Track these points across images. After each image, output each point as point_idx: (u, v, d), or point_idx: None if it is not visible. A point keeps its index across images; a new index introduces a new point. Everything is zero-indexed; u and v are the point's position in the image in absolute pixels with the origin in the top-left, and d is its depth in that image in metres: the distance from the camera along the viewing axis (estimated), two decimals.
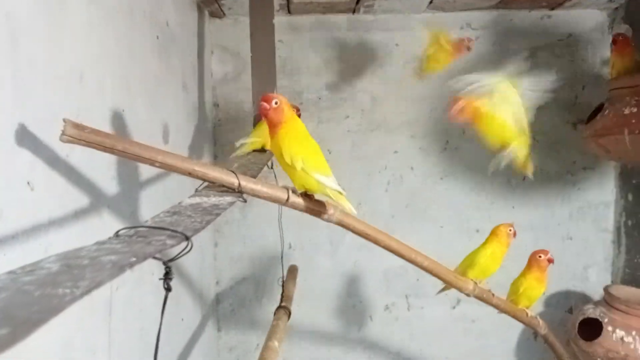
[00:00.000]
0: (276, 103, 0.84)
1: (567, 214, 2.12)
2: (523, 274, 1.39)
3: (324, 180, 0.82)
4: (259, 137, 1.33)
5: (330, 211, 0.90)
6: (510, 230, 1.32)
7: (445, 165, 2.10)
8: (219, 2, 1.85)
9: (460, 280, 1.22)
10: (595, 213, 2.12)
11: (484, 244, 1.32)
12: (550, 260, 1.37)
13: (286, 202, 0.84)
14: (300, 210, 0.87)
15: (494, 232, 1.33)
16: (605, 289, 1.81)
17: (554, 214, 2.12)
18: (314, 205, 0.87)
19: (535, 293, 1.37)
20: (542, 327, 1.40)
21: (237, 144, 1.35)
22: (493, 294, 1.30)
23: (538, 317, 1.41)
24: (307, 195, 0.87)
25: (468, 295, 1.25)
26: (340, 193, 0.84)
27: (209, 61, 2.01)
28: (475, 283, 1.25)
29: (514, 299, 1.38)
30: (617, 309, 1.69)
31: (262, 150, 1.30)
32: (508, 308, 1.35)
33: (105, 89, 1.04)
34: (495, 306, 1.32)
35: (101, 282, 0.34)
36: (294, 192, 0.85)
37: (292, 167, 0.83)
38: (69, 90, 0.89)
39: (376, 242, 1.06)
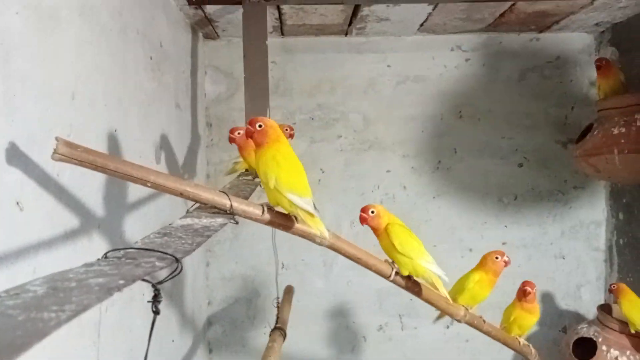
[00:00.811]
0: (260, 126, 0.88)
1: (559, 232, 2.13)
2: (513, 303, 1.37)
3: (295, 199, 0.83)
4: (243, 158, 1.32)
5: (298, 226, 0.91)
6: (497, 258, 1.27)
7: (438, 185, 2.11)
8: (213, 24, 1.87)
9: (452, 307, 1.21)
10: (587, 232, 2.13)
11: (473, 270, 1.30)
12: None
13: (261, 216, 0.86)
14: (268, 224, 0.88)
15: (482, 260, 1.30)
16: (599, 308, 1.81)
17: (546, 233, 2.13)
18: (281, 220, 0.88)
19: (526, 322, 1.35)
20: (533, 355, 1.40)
21: (230, 164, 1.35)
22: (484, 321, 1.29)
23: (530, 345, 1.40)
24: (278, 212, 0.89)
25: (459, 321, 1.24)
26: (310, 214, 0.85)
27: (202, 81, 2.02)
28: (466, 309, 1.24)
29: (506, 326, 1.37)
30: (611, 328, 1.69)
31: (246, 171, 1.29)
32: (499, 335, 1.34)
33: (98, 108, 1.04)
34: (486, 333, 1.31)
35: (88, 306, 0.34)
36: (268, 207, 0.87)
37: (266, 184, 0.85)
38: (61, 109, 0.89)
39: (367, 266, 1.05)
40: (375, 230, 1.11)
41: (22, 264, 0.77)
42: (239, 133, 1.20)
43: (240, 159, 1.33)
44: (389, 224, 1.09)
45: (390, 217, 1.11)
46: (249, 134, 0.89)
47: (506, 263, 1.28)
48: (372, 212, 1.10)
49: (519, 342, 1.36)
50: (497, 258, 1.27)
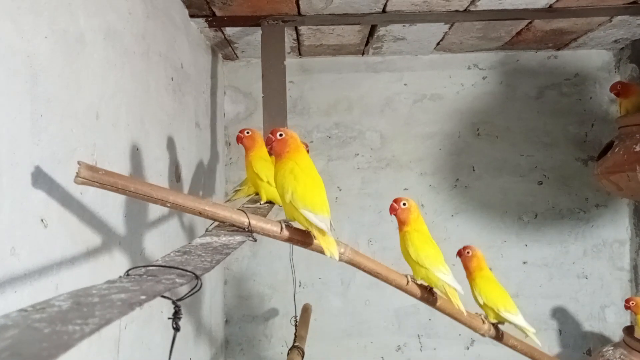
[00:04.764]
0: (281, 135, 0.87)
1: (582, 251, 2.09)
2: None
3: (309, 216, 0.82)
4: (248, 184, 1.32)
5: (317, 242, 0.90)
6: (468, 253, 1.23)
7: (456, 203, 2.10)
8: (232, 46, 1.91)
9: (475, 320, 1.18)
10: (610, 251, 2.09)
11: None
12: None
13: (280, 233, 0.86)
14: (286, 241, 0.88)
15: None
16: (625, 330, 1.76)
17: (567, 252, 2.09)
18: (299, 236, 0.88)
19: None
20: None
21: (231, 191, 1.36)
22: (510, 335, 1.26)
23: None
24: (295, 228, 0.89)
25: (483, 335, 1.21)
26: (322, 233, 0.84)
27: (221, 101, 2.06)
28: (491, 324, 1.21)
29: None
30: (639, 351, 1.64)
31: (256, 195, 1.29)
32: (526, 349, 1.30)
33: (120, 128, 1.07)
34: (512, 347, 1.27)
35: (110, 320, 0.35)
36: (286, 224, 0.87)
37: (282, 197, 0.85)
38: (86, 129, 0.91)
39: (387, 281, 1.05)
40: (400, 224, 1.11)
41: (45, 280, 0.79)
42: (247, 133, 1.22)
43: (243, 187, 1.34)
44: (406, 231, 1.08)
45: (418, 219, 1.10)
46: (269, 143, 0.89)
47: (470, 254, 1.23)
48: (404, 204, 1.09)
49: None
50: (468, 253, 1.24)
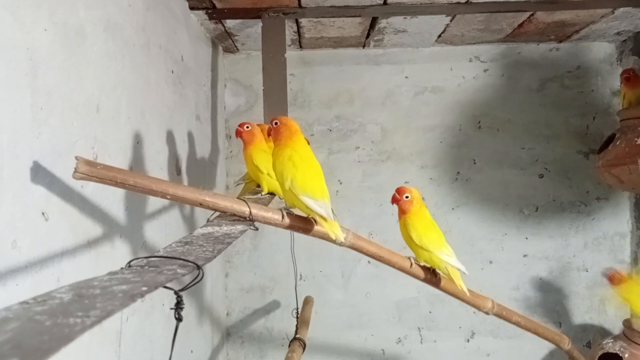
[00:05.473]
0: (275, 124, 0.88)
1: (582, 244, 2.09)
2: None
3: (309, 202, 0.83)
4: (249, 179, 1.32)
5: (317, 228, 0.91)
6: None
7: (457, 196, 2.10)
8: (232, 38, 1.91)
9: (478, 299, 1.19)
10: (611, 244, 2.09)
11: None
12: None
13: (282, 221, 0.86)
14: (288, 229, 0.89)
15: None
16: (625, 322, 1.76)
17: (568, 245, 2.09)
18: (300, 223, 0.89)
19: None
20: (566, 343, 1.36)
21: (240, 184, 1.37)
22: (513, 312, 1.26)
23: (562, 334, 1.36)
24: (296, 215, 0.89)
25: (487, 313, 1.22)
26: (324, 218, 0.85)
27: (222, 94, 2.05)
28: (493, 301, 1.22)
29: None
30: (638, 344, 1.64)
31: (258, 187, 1.28)
32: (529, 325, 1.31)
33: (121, 121, 1.06)
34: (516, 324, 1.28)
35: (112, 312, 0.35)
36: (287, 212, 0.88)
37: (282, 185, 0.86)
38: (86, 122, 0.91)
39: (390, 264, 1.05)
40: (400, 213, 1.10)
41: (47, 272, 0.79)
42: (247, 127, 1.21)
43: (245, 181, 1.34)
44: (407, 217, 1.08)
45: (420, 207, 1.09)
46: (269, 132, 0.92)
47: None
48: (407, 197, 1.07)
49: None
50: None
